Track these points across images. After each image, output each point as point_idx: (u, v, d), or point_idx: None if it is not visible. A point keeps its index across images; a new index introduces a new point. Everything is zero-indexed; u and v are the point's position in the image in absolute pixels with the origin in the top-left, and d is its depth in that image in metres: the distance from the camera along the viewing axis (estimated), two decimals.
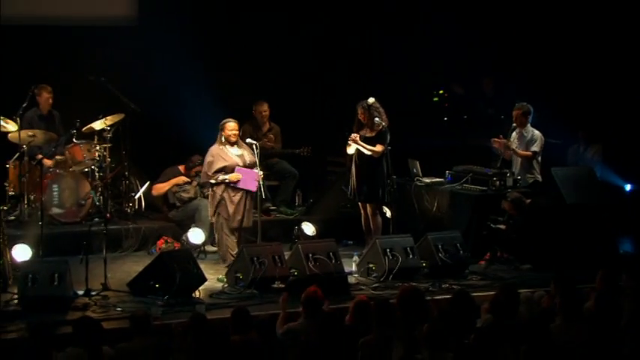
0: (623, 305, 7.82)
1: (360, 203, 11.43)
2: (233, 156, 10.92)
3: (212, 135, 11.21)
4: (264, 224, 11.38)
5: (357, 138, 11.05)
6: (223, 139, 10.95)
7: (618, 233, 11.73)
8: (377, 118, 11.07)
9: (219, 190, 10.85)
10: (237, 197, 10.86)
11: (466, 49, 13.29)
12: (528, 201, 10.99)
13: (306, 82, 13.61)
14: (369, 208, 11.35)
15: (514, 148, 11.60)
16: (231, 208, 10.84)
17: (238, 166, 10.83)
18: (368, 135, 11.22)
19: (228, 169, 10.84)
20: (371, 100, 11.20)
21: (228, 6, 13.49)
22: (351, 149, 11.18)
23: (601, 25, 13.47)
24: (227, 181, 10.78)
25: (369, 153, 11.06)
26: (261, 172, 10.96)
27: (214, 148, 10.95)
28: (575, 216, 11.16)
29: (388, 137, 11.11)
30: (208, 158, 10.91)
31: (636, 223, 12.14)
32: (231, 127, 10.98)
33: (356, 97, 11.38)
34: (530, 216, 10.89)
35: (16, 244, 10.26)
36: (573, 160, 13.01)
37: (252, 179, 10.80)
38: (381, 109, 11.21)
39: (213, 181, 10.85)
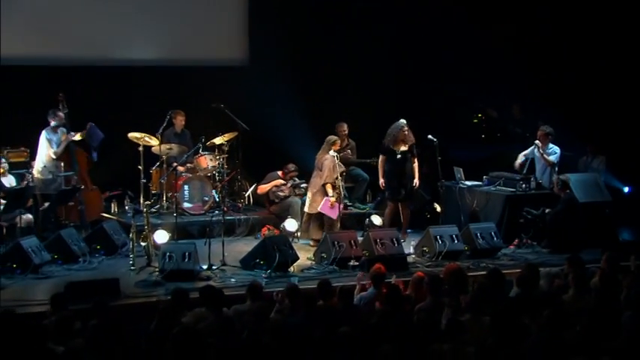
0: (623, 281, 7.71)
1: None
2: None
3: (304, 148, 11.31)
4: (342, 216, 11.37)
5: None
6: (332, 151, 11.12)
7: (618, 225, 11.54)
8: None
9: (335, 190, 11.03)
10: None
11: (499, 83, 13.17)
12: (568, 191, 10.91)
13: (377, 107, 13.53)
14: (400, 205, 11.39)
15: (548, 159, 11.43)
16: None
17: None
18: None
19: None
20: (403, 121, 11.27)
21: (314, 51, 13.52)
22: None
23: (607, 59, 13.29)
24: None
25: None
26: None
27: (331, 157, 11.07)
28: (584, 211, 11.01)
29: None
30: (331, 164, 11.01)
31: (633, 216, 11.94)
32: (338, 142, 11.29)
33: (413, 121, 11.41)
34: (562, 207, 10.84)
35: (157, 230, 10.37)
36: (583, 168, 12.79)
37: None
38: (402, 131, 11.20)
39: (336, 184, 11.02)
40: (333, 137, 11.34)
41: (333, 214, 10.97)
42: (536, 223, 10.93)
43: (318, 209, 11.02)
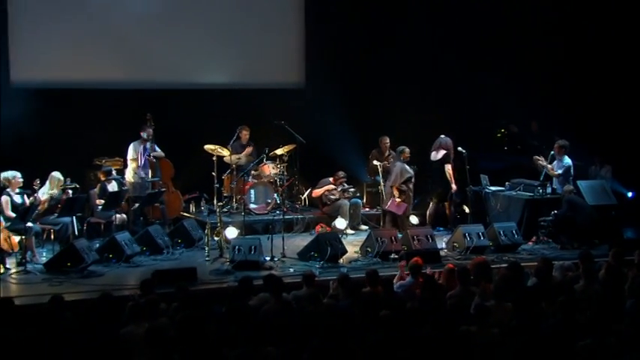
0: (627, 274, 7.62)
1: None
2: None
3: (352, 158, 11.34)
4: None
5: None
6: (402, 159, 11.27)
7: (623, 225, 11.35)
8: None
9: (403, 192, 11.18)
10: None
11: (519, 103, 13.07)
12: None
13: (415, 122, 13.44)
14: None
15: (554, 172, 11.29)
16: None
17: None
18: None
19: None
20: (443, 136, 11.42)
21: (360, 74, 13.50)
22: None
23: (614, 81, 13.09)
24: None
25: None
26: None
27: (399, 164, 11.27)
28: (592, 213, 10.86)
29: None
30: (398, 170, 11.22)
31: (636, 217, 11.75)
32: (408, 151, 11.31)
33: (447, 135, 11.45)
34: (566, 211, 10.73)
35: (228, 226, 10.42)
36: (592, 175, 12.67)
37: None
38: (437, 142, 11.38)
39: (404, 188, 11.16)
40: (401, 147, 11.41)
41: (399, 211, 11.13)
42: (549, 225, 10.82)
43: (386, 207, 11.10)
